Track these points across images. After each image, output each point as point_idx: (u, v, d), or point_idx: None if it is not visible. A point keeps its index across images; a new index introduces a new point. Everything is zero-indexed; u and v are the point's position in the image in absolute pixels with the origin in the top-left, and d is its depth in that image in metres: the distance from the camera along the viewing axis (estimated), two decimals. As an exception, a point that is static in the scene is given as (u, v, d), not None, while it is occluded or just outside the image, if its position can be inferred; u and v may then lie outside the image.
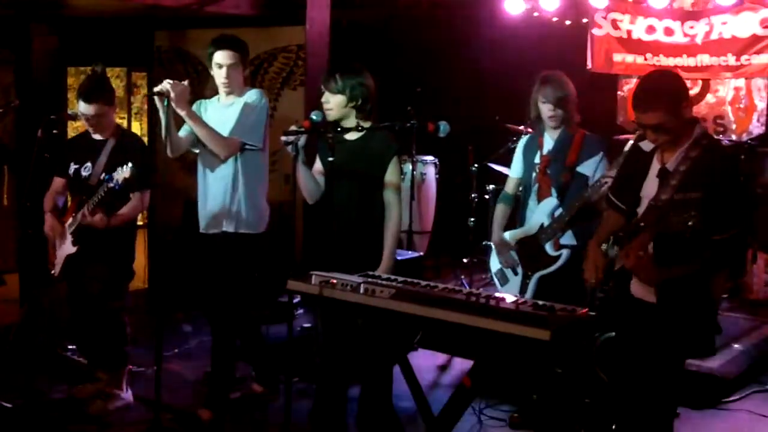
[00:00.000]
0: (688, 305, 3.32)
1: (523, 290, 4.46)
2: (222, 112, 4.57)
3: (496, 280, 4.68)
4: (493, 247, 4.70)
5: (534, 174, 4.51)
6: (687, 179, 3.24)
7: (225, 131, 4.48)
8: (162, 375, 4.09)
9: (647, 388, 3.39)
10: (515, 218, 4.72)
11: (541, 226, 4.43)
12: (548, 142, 4.51)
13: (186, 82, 4.34)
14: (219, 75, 4.52)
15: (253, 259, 4.60)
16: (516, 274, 4.55)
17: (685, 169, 3.27)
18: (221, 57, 4.49)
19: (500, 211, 4.70)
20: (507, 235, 4.59)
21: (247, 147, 4.48)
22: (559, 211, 4.39)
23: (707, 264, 3.25)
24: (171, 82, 4.26)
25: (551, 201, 4.42)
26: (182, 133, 4.55)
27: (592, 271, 3.47)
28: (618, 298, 3.52)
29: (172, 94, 4.21)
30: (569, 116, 4.44)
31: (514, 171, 4.70)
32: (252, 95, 4.55)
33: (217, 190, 4.54)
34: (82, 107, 4.69)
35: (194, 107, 4.56)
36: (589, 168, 4.37)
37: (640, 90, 3.38)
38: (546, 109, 4.43)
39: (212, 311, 4.70)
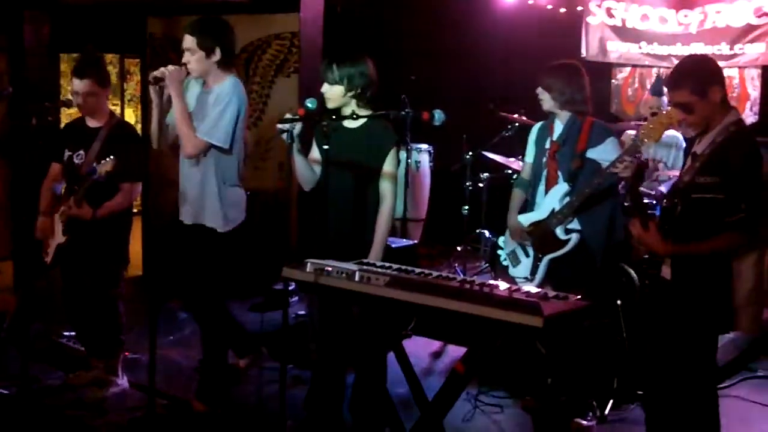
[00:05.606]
0: (700, 280, 3.37)
1: (533, 271, 4.51)
2: (200, 98, 4.38)
3: (508, 261, 4.71)
4: (508, 230, 4.73)
5: (544, 159, 4.55)
6: (708, 163, 3.33)
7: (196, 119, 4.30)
8: (157, 362, 4.10)
9: (676, 367, 3.44)
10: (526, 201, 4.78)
11: (552, 210, 4.45)
12: (558, 127, 4.54)
13: (184, 68, 4.21)
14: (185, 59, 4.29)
15: (217, 253, 4.41)
16: (527, 255, 4.58)
17: (708, 153, 3.35)
18: (186, 42, 4.26)
19: (516, 195, 4.75)
20: (521, 218, 4.63)
21: (213, 147, 4.25)
22: (568, 198, 4.41)
23: (717, 246, 3.30)
24: (172, 67, 4.17)
25: (562, 186, 4.43)
26: (169, 120, 4.35)
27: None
28: (651, 283, 3.58)
29: (167, 73, 4.11)
30: (562, 102, 4.45)
31: (528, 156, 4.74)
32: (225, 86, 4.27)
33: (190, 183, 4.38)
34: (75, 83, 4.68)
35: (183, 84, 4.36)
36: (598, 153, 4.38)
37: (674, 68, 3.51)
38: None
39: (189, 300, 4.65)
